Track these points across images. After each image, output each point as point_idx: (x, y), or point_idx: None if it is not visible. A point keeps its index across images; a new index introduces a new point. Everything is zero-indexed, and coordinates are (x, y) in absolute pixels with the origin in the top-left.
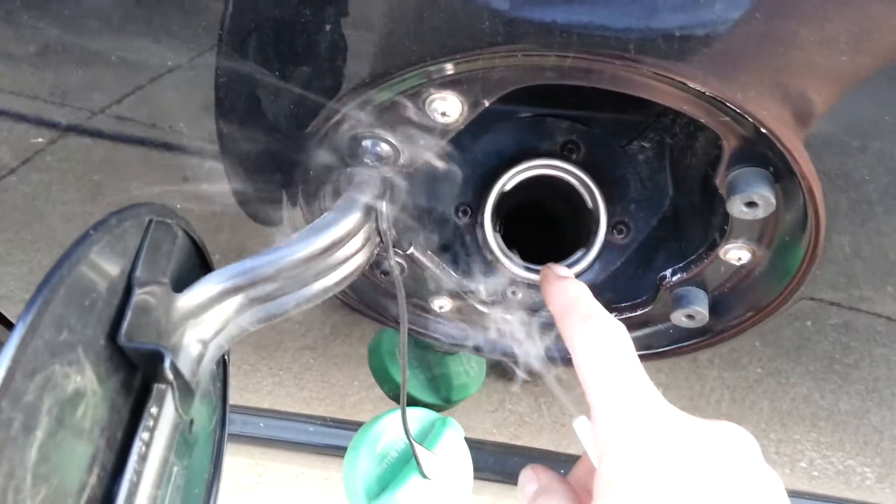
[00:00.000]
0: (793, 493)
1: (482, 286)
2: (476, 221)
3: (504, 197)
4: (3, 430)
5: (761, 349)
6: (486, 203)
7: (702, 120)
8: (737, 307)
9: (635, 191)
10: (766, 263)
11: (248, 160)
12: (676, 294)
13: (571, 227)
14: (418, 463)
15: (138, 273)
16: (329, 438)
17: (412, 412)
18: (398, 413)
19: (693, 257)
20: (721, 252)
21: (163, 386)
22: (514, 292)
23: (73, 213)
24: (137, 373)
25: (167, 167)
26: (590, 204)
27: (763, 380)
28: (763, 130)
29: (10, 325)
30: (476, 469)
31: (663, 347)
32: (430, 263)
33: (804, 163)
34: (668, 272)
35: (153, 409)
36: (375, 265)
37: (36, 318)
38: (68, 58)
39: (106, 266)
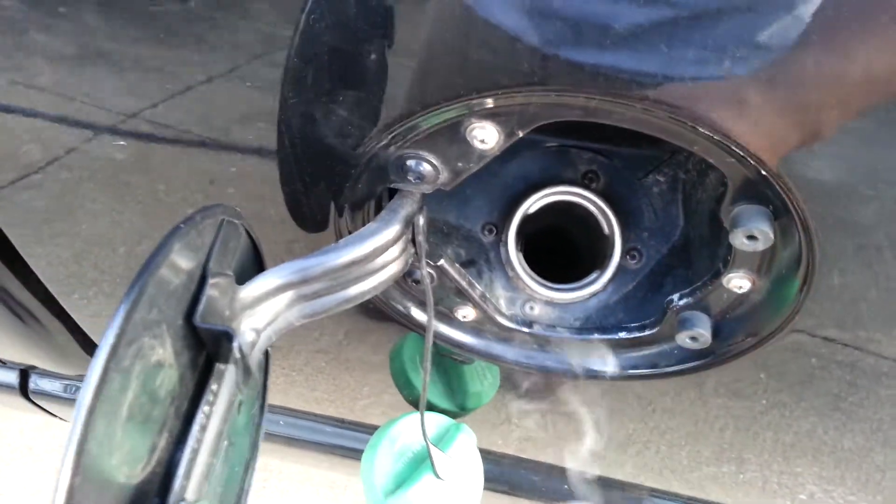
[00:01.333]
0: None
1: (502, 300)
2: (500, 240)
3: (527, 219)
4: (107, 388)
5: (766, 381)
6: (511, 223)
7: (710, 160)
8: (737, 333)
9: (649, 220)
10: (765, 293)
11: (304, 172)
12: (682, 317)
13: (588, 251)
14: (432, 463)
15: (211, 265)
16: (340, 439)
17: (429, 416)
18: (415, 416)
19: (699, 284)
20: (724, 280)
21: (223, 366)
22: (531, 308)
23: (100, 210)
24: (203, 353)
25: (194, 170)
26: (606, 230)
27: (767, 411)
28: (763, 173)
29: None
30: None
31: (667, 367)
32: (457, 275)
33: (800, 204)
34: (675, 296)
35: (214, 386)
36: (408, 274)
37: (138, 296)
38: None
39: (188, 256)
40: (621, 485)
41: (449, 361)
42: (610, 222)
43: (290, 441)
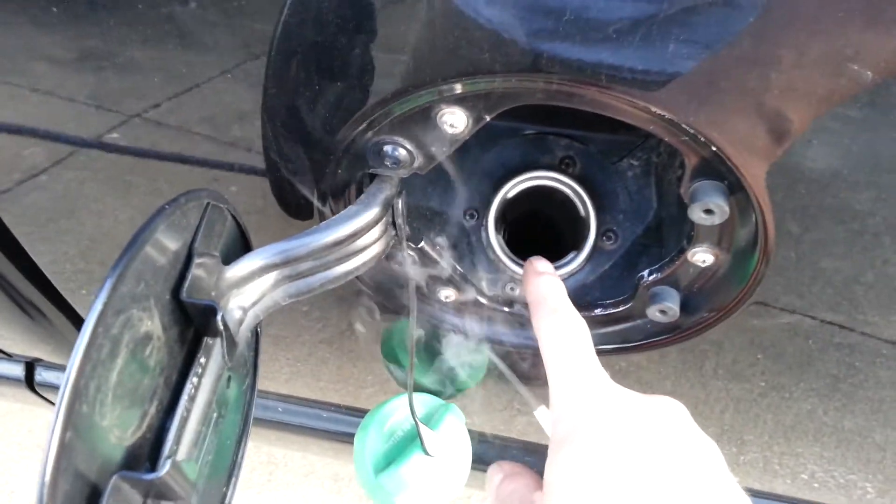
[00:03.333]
0: (793, 500)
1: (484, 282)
2: (481, 224)
3: (507, 204)
4: (96, 353)
5: (764, 363)
6: (491, 208)
7: (665, 139)
8: (703, 306)
9: (623, 202)
10: (727, 267)
11: (287, 161)
12: (652, 292)
13: (567, 233)
14: (422, 441)
15: (196, 245)
16: (343, 426)
17: (419, 397)
18: (404, 397)
19: (667, 259)
20: (689, 255)
21: (211, 340)
22: (511, 288)
23: (103, 210)
24: (191, 328)
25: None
26: (582, 213)
27: (767, 394)
28: (715, 149)
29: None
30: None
31: (640, 341)
32: (438, 257)
33: (752, 178)
34: (645, 272)
35: (202, 359)
36: (390, 256)
37: (124, 270)
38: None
39: (174, 236)
40: None
41: (437, 344)
42: (586, 205)
43: (294, 429)
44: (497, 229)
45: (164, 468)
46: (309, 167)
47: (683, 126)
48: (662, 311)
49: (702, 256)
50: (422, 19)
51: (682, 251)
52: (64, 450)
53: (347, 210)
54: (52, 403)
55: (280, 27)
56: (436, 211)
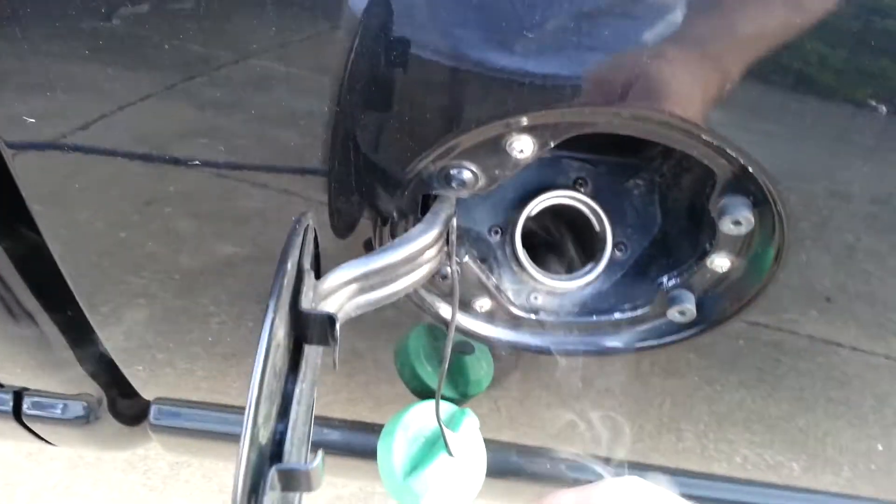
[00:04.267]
0: (731, 480)
1: (510, 292)
2: (506, 240)
3: (529, 220)
4: (271, 357)
5: (697, 360)
6: (517, 224)
7: (705, 161)
8: (717, 305)
9: (631, 218)
10: (742, 271)
11: (359, 186)
12: (671, 296)
13: (576, 246)
14: (446, 443)
15: (303, 260)
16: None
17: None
18: (424, 405)
19: (685, 266)
20: (708, 261)
21: (307, 349)
22: (535, 297)
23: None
24: (292, 337)
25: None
26: (597, 228)
27: (701, 387)
28: (749, 169)
29: None
30: None
31: (661, 339)
32: (478, 270)
33: (776, 193)
34: (664, 278)
35: (303, 365)
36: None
37: (283, 281)
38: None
39: (295, 252)
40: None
41: (453, 353)
42: (601, 221)
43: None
44: (522, 244)
45: (316, 460)
46: (379, 193)
47: (726, 149)
48: (681, 312)
49: (720, 262)
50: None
51: (702, 258)
52: (251, 444)
53: (416, 228)
54: (39, 437)
55: (351, 59)
56: (464, 228)
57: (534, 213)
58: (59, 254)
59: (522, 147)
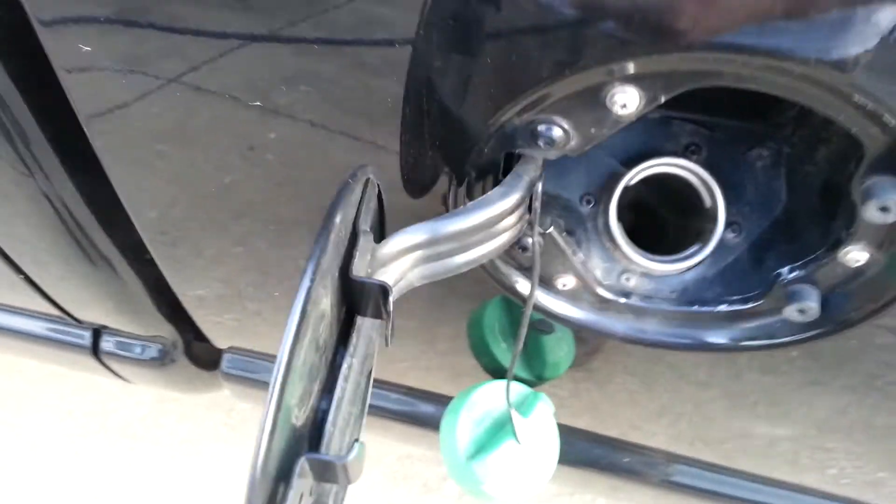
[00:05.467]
0: (820, 494)
1: (598, 270)
2: (599, 210)
3: (628, 190)
4: (303, 329)
5: (800, 360)
6: (613, 194)
7: (853, 130)
8: (845, 305)
9: (750, 194)
10: (881, 267)
11: (433, 137)
12: (790, 290)
13: (677, 224)
14: (514, 428)
15: (360, 222)
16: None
17: (512, 383)
18: (494, 384)
19: (811, 257)
20: (841, 253)
21: (361, 320)
22: (627, 278)
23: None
24: (343, 307)
25: None
26: (708, 203)
27: (802, 388)
28: None
29: None
30: None
31: (773, 340)
32: (564, 243)
33: None
34: (784, 270)
35: (354, 338)
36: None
37: (324, 245)
38: None
39: (347, 212)
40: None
41: (530, 331)
42: (713, 195)
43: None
44: (617, 216)
45: (353, 452)
46: (455, 146)
47: (877, 112)
48: (801, 311)
49: (856, 256)
50: None
51: (834, 249)
52: (274, 429)
53: (494, 191)
54: (117, 374)
55: None
56: (551, 195)
57: (634, 181)
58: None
59: (626, 101)
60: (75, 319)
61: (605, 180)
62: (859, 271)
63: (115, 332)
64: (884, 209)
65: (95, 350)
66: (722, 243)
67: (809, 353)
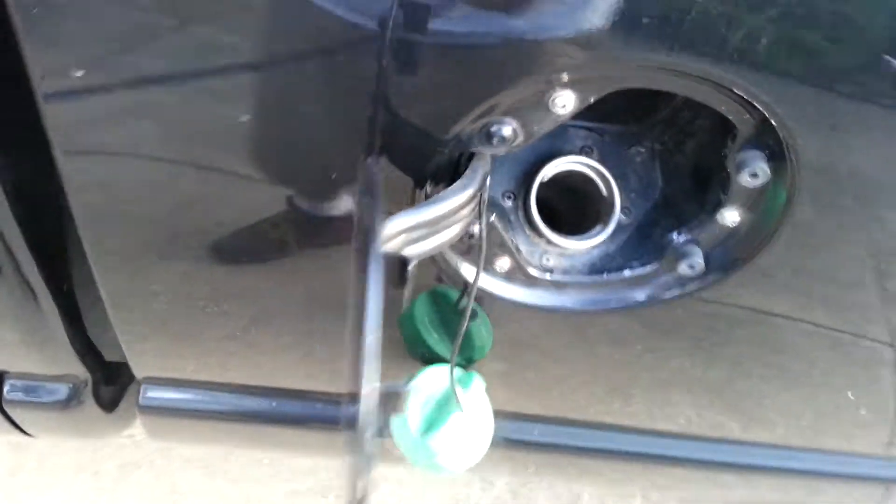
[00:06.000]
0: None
1: (523, 252)
2: (520, 204)
3: (541, 186)
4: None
5: (640, 330)
6: (532, 188)
7: (729, 116)
8: (723, 258)
9: (634, 183)
10: (749, 225)
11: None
12: (679, 251)
13: (576, 212)
14: (458, 401)
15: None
16: None
17: (444, 367)
18: (432, 369)
19: (695, 222)
20: (718, 216)
21: None
22: (547, 259)
23: None
24: None
25: None
26: (604, 192)
27: (643, 355)
28: (771, 121)
29: None
30: None
31: (672, 294)
32: (502, 229)
33: (793, 145)
34: (672, 235)
35: None
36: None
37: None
38: None
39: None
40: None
41: (456, 319)
42: (609, 185)
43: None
44: (535, 208)
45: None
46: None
47: (754, 102)
48: (691, 266)
49: (732, 216)
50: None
51: (712, 213)
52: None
53: (455, 185)
54: (19, 428)
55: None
56: None
57: (546, 178)
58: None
59: (565, 102)
60: None
61: (522, 178)
62: (734, 230)
63: (19, 376)
64: (753, 175)
65: None
66: (618, 224)
67: (645, 324)
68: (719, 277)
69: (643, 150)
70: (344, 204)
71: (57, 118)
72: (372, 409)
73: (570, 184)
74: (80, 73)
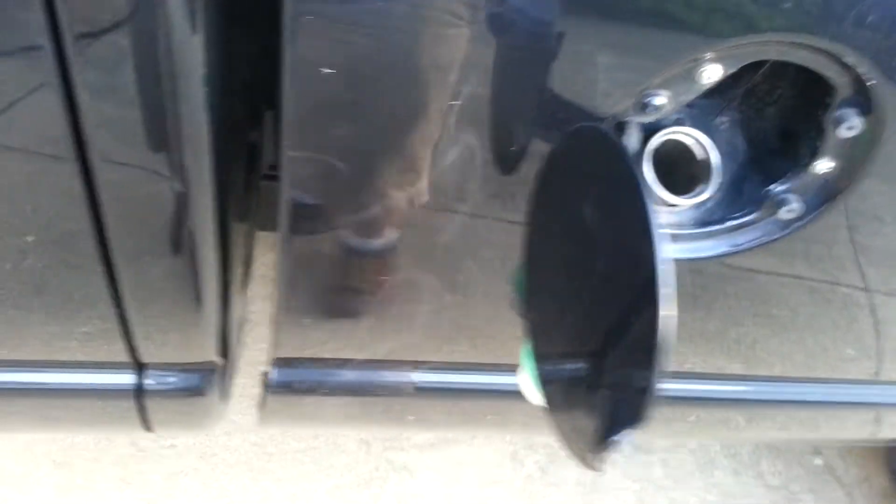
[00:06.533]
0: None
1: None
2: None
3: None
4: None
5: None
6: (643, 156)
7: (835, 80)
8: (815, 203)
9: (722, 147)
10: (837, 171)
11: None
12: (778, 199)
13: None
14: None
15: None
16: None
17: None
18: None
19: (790, 174)
20: (814, 166)
21: None
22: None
23: None
24: None
25: None
26: (701, 155)
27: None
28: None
29: None
30: None
31: (774, 236)
32: None
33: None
34: (771, 186)
35: None
36: None
37: None
38: None
39: None
40: None
41: None
42: (706, 149)
43: None
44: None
45: None
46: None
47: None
48: (790, 211)
49: (826, 165)
50: None
51: (807, 165)
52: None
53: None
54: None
55: None
56: None
57: (655, 146)
58: None
59: (712, 75)
60: None
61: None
62: (825, 177)
63: (158, 367)
64: (850, 128)
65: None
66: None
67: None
68: (812, 219)
69: (726, 119)
70: None
71: None
72: (672, 332)
73: (665, 150)
74: None
